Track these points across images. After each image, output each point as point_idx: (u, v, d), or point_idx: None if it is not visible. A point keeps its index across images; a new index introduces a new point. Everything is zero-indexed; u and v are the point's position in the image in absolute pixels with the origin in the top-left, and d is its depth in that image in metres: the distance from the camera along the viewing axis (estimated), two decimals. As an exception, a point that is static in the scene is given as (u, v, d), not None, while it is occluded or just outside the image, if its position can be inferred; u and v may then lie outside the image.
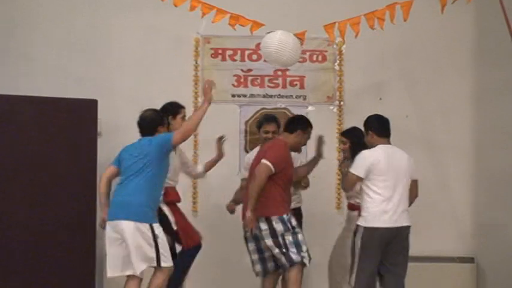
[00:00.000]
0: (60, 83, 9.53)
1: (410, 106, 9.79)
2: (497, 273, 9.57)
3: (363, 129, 7.95)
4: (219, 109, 9.01)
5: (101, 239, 8.97)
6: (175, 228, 8.04)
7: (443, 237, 9.66)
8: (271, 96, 9.75)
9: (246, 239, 8.06)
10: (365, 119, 7.89)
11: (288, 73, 9.67)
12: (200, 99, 9.32)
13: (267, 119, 8.80)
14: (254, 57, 9.65)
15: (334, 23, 8.49)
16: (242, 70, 9.72)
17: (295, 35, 8.46)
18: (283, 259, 7.83)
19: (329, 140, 8.86)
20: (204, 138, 9.47)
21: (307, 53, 9.57)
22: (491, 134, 9.70)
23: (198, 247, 8.17)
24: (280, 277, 8.31)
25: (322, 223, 9.34)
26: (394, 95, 9.78)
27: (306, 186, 8.71)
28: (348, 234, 8.01)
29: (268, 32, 8.42)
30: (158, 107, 8.95)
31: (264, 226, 7.86)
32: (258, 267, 8.03)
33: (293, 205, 8.47)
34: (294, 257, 7.82)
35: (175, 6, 8.31)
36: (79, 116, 9.06)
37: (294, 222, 7.98)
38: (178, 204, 8.32)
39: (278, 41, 8.32)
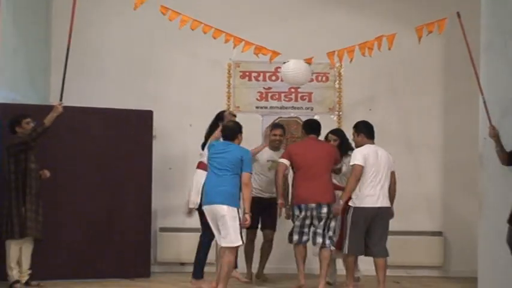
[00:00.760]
0: (122, 97, 9.91)
1: (394, 115, 10.23)
2: (460, 244, 10.03)
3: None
4: (246, 117, 9.79)
5: (155, 218, 9.81)
6: None
7: (417, 216, 10.06)
8: (286, 108, 10.19)
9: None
10: (355, 123, 8.32)
11: (299, 90, 10.14)
12: (232, 109, 9.79)
13: (275, 125, 9.26)
14: (273, 78, 10.12)
15: (334, 51, 9.18)
16: (264, 88, 10.19)
17: (304, 60, 9.14)
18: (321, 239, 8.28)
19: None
20: None
21: (314, 75, 9.91)
22: (457, 134, 10.13)
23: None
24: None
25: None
26: (381, 107, 10.24)
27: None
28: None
29: (285, 62, 9.07)
30: (200, 116, 9.80)
31: (325, 209, 8.29)
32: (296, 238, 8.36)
33: None
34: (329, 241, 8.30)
35: (214, 38, 8.95)
36: (138, 125, 9.40)
37: None
38: None
39: (293, 68, 9.00)
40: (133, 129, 9.41)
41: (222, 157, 7.78)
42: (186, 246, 9.87)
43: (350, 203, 7.97)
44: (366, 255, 8.12)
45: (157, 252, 10.01)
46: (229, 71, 10.19)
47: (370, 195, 7.88)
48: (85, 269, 9.07)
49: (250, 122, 9.85)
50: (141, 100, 9.88)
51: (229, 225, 7.58)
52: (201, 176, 8.42)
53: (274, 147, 9.06)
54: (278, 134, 9.02)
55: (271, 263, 9.33)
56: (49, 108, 8.38)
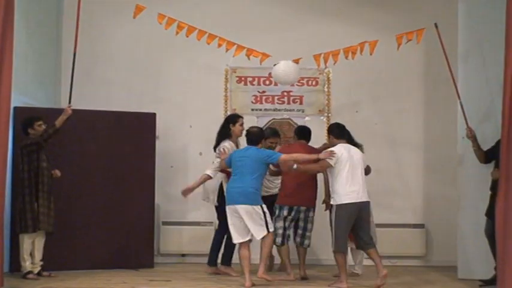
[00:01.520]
0: (127, 100, 9.94)
1: (378, 116, 10.25)
2: (441, 235, 10.04)
3: None
4: None
5: (158, 212, 9.84)
6: None
7: (401, 210, 10.05)
8: (279, 110, 10.14)
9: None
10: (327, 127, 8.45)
11: (291, 94, 10.07)
12: (229, 112, 9.84)
13: (272, 134, 8.93)
14: (267, 82, 10.05)
15: (321, 53, 9.29)
16: (258, 92, 10.13)
17: (293, 60, 9.18)
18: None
19: (320, 141, 9.39)
20: None
21: (305, 79, 9.97)
22: (437, 133, 10.16)
23: None
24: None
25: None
26: (367, 109, 10.28)
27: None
28: None
29: (275, 64, 9.06)
30: (199, 117, 9.93)
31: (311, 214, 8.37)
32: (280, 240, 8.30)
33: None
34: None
35: (208, 44, 8.96)
36: (142, 126, 9.42)
37: None
38: None
39: (283, 68, 8.97)
40: (137, 131, 9.44)
41: (243, 161, 7.89)
42: (187, 238, 9.94)
43: (332, 202, 7.84)
44: (357, 248, 8.08)
45: (160, 244, 10.03)
46: (226, 76, 10.17)
47: (350, 191, 7.69)
48: (92, 260, 9.10)
49: (246, 123, 9.42)
50: (145, 103, 9.94)
51: (254, 220, 7.74)
52: (217, 177, 8.55)
53: (272, 149, 8.89)
54: (274, 141, 8.94)
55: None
56: (59, 111, 8.42)
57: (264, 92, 10.16)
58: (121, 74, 10.27)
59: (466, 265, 8.62)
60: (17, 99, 8.65)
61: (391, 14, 10.26)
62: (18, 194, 8.36)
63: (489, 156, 8.18)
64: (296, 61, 9.24)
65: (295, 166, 7.87)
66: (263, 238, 7.81)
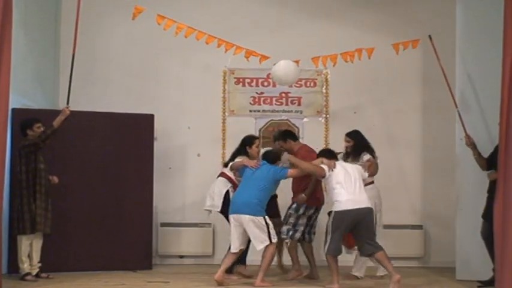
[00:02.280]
0: (126, 101, 9.89)
1: (377, 117, 10.24)
2: (439, 237, 10.05)
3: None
4: (241, 120, 10.09)
5: (156, 213, 9.85)
6: None
7: (399, 211, 9.98)
8: (277, 111, 10.16)
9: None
10: (319, 150, 8.47)
11: (289, 95, 10.14)
12: (227, 113, 10.04)
13: (281, 136, 8.85)
14: (265, 83, 10.10)
15: (319, 56, 9.32)
16: (257, 93, 10.17)
17: (293, 61, 9.09)
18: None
19: (319, 142, 9.66)
20: (230, 142, 9.80)
21: (303, 81, 10.01)
22: (435, 135, 10.14)
23: None
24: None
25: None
26: (365, 110, 10.24)
27: None
28: None
29: (274, 64, 9.01)
30: (197, 119, 9.98)
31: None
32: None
33: None
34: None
35: (207, 44, 8.95)
36: (140, 127, 9.41)
37: None
38: None
39: (283, 67, 8.91)
40: (136, 132, 9.43)
41: (253, 173, 8.12)
42: (185, 240, 9.94)
43: (332, 209, 7.90)
44: (361, 255, 8.16)
45: (158, 245, 10.01)
46: (224, 77, 10.18)
47: (348, 199, 7.75)
48: (91, 262, 9.09)
49: (244, 124, 10.00)
50: (143, 105, 9.92)
51: (256, 230, 7.89)
52: (223, 184, 8.66)
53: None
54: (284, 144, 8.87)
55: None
56: (57, 113, 8.39)
57: (262, 93, 10.17)
58: (119, 75, 10.24)
59: (464, 266, 8.64)
60: (15, 101, 8.63)
61: (391, 16, 10.29)
62: (16, 196, 8.34)
63: (490, 162, 8.12)
64: (296, 61, 9.20)
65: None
66: (266, 247, 7.94)
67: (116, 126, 9.36)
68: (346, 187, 7.79)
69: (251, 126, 10.11)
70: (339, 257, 7.90)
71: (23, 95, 9.05)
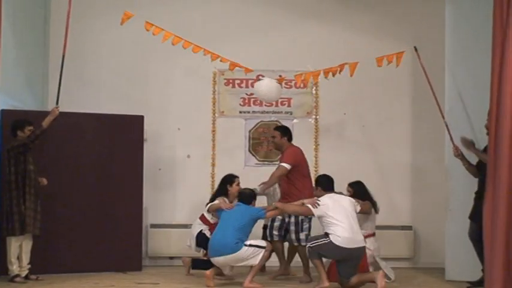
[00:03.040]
0: (116, 103, 9.89)
1: (366, 119, 10.23)
2: (428, 238, 10.08)
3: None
4: (230, 121, 10.12)
5: (146, 215, 9.78)
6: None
7: (388, 212, 9.79)
8: (267, 112, 10.18)
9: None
10: (316, 177, 8.48)
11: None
12: (217, 114, 10.07)
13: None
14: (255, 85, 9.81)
15: (302, 73, 9.28)
16: (246, 94, 10.18)
17: (276, 80, 9.29)
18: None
19: (308, 143, 9.72)
20: (220, 143, 10.08)
21: (293, 82, 9.86)
22: (425, 135, 10.16)
23: None
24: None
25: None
26: (355, 111, 10.24)
27: None
28: None
29: (260, 79, 9.19)
30: (187, 120, 9.94)
31: None
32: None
33: None
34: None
35: (194, 52, 8.94)
36: (130, 129, 9.37)
37: None
38: None
39: (265, 86, 8.95)
40: (125, 133, 9.41)
41: (230, 214, 8.18)
42: (175, 241, 9.90)
43: (329, 234, 7.76)
44: (340, 283, 7.92)
45: (148, 247, 9.99)
46: (214, 79, 10.21)
47: (345, 237, 7.66)
48: (81, 264, 9.04)
49: (234, 125, 10.13)
50: (133, 106, 9.87)
51: (244, 258, 8.00)
52: (198, 226, 8.84)
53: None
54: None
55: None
56: (47, 114, 8.36)
57: (252, 94, 10.07)
58: (109, 76, 10.22)
59: (453, 267, 8.66)
60: (4, 102, 8.61)
61: (382, 17, 10.35)
62: (5, 197, 8.27)
63: (479, 168, 8.14)
64: (280, 80, 9.33)
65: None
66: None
67: (106, 128, 9.33)
68: (341, 224, 7.70)
69: (241, 127, 10.17)
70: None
71: (12, 97, 9.01)
